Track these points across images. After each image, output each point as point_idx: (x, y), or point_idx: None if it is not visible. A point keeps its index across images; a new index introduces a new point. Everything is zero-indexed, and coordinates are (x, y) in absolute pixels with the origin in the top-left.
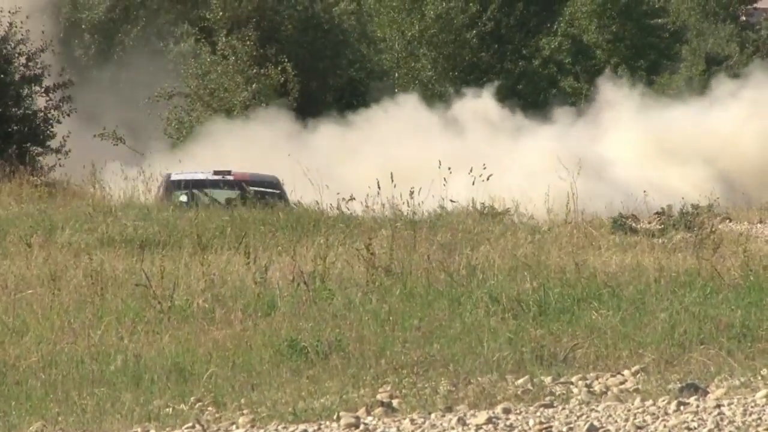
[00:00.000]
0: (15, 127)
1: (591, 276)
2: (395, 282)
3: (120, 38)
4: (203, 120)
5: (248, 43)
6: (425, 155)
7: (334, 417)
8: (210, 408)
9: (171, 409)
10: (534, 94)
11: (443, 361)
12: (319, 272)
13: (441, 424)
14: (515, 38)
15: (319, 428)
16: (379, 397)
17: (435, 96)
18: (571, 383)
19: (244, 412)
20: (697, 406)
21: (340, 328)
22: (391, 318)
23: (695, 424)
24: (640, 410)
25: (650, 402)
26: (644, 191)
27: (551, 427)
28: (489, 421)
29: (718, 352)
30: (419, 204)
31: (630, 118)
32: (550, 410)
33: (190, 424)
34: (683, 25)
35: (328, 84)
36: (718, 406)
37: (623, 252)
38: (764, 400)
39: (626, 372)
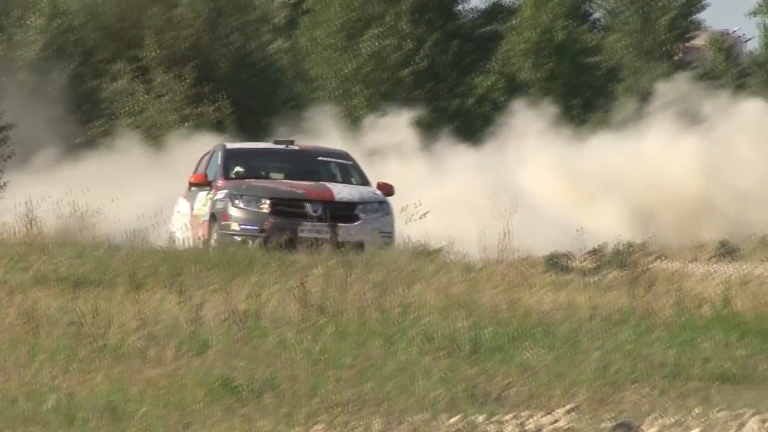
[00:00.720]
0: None
1: (525, 314)
2: (329, 321)
3: (55, 76)
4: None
5: (185, 81)
6: None
7: None
8: None
9: None
10: (468, 131)
11: (376, 399)
12: (253, 311)
13: None
14: (450, 76)
15: None
16: None
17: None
18: (504, 422)
19: None
20: None
21: (273, 367)
22: (324, 357)
23: None
24: None
25: None
26: (577, 229)
27: None
28: None
29: (651, 391)
30: None
31: (553, 153)
32: None
33: None
34: (618, 64)
35: (262, 122)
36: None
37: (557, 290)
38: None
39: (559, 410)
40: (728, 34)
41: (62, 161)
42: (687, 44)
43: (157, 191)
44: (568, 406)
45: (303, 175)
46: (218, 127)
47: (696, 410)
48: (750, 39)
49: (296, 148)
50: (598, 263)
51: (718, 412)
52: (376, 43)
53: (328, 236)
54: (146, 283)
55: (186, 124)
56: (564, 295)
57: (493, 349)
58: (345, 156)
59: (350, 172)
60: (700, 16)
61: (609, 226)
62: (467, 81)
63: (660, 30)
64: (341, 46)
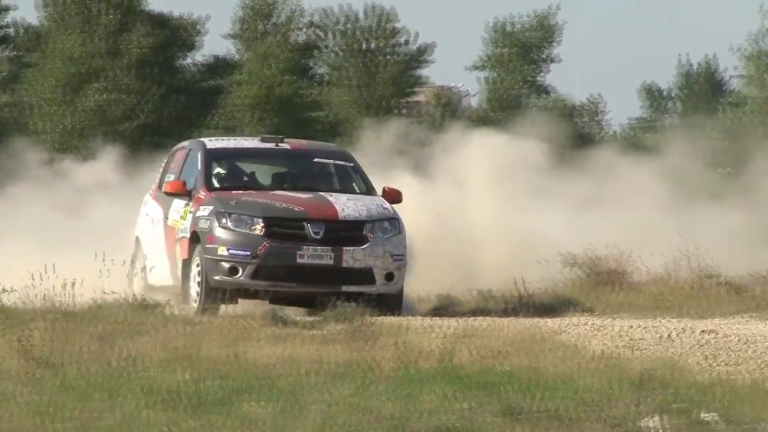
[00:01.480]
0: None
1: (247, 367)
2: (54, 374)
3: None
4: None
5: None
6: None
7: None
8: None
9: None
10: None
11: None
12: None
13: None
14: (176, 130)
15: None
16: None
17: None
18: None
19: None
20: None
21: None
22: (50, 410)
23: None
24: None
25: None
26: None
27: None
28: None
29: None
30: (79, 295)
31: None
32: None
33: None
34: (341, 119)
35: None
36: None
37: (279, 343)
38: None
39: None
40: (450, 89)
41: None
42: (407, 99)
43: None
44: None
45: (297, 180)
46: None
47: None
48: (475, 95)
49: (288, 147)
50: (322, 316)
51: None
52: (97, 97)
53: (331, 262)
54: None
55: None
56: (287, 347)
57: (216, 401)
58: (345, 156)
59: (351, 176)
60: (425, 72)
61: None
62: (189, 135)
63: (381, 85)
64: (63, 101)
